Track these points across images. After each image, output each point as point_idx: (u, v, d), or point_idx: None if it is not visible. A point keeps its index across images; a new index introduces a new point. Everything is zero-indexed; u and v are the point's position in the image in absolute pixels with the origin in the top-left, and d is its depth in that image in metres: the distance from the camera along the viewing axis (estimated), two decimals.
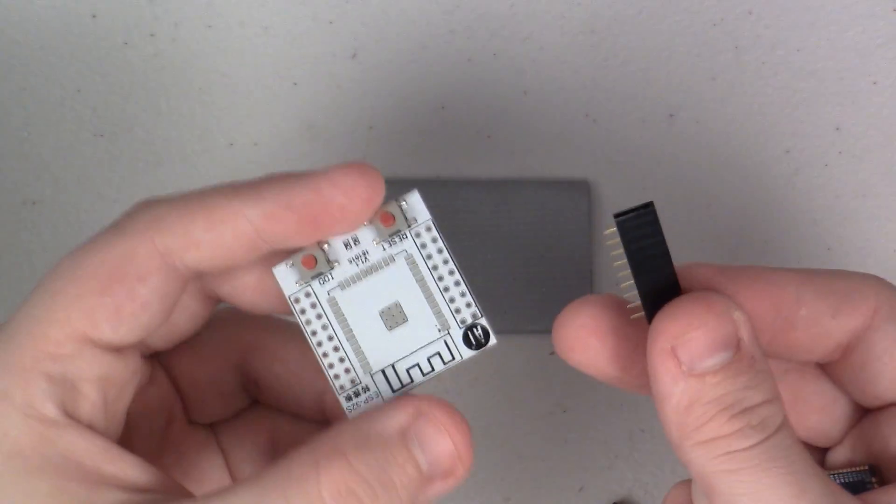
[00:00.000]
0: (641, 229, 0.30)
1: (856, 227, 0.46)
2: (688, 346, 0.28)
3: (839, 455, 0.33)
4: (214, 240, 0.29)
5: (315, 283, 0.31)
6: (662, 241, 0.30)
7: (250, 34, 0.46)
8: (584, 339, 0.31)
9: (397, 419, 0.29)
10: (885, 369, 0.30)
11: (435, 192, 0.45)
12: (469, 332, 0.32)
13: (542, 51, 0.46)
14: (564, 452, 0.45)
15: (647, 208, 0.30)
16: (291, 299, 0.31)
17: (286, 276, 0.31)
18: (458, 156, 0.46)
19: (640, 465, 0.45)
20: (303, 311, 0.32)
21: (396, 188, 0.46)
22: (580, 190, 0.45)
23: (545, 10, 0.46)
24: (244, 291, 0.32)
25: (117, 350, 0.29)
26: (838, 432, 0.32)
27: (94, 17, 0.45)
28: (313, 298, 0.32)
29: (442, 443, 0.29)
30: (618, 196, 0.46)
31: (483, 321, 0.31)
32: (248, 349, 0.34)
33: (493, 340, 0.32)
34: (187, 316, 0.32)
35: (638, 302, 0.30)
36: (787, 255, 0.46)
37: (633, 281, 0.30)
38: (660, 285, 0.30)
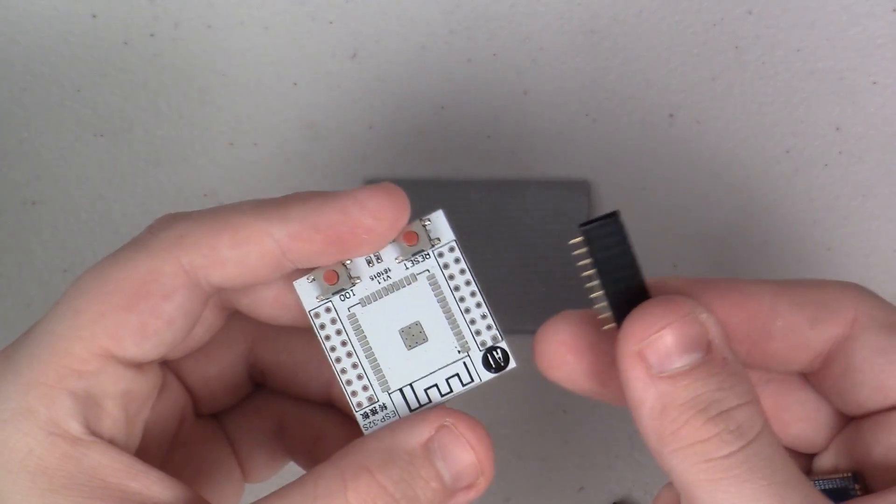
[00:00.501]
0: (607, 238, 0.30)
1: (856, 227, 0.46)
2: (655, 347, 0.28)
3: (825, 461, 0.32)
4: (240, 258, 0.29)
5: (336, 299, 0.31)
6: (629, 250, 0.30)
7: (250, 34, 0.46)
8: (562, 356, 0.31)
9: (420, 433, 0.30)
10: (866, 378, 0.30)
11: (435, 192, 0.45)
12: (489, 355, 0.32)
13: (542, 51, 0.46)
14: (564, 452, 0.45)
15: (612, 217, 0.30)
16: (311, 314, 0.31)
17: (307, 291, 0.31)
18: (458, 156, 0.46)
19: (640, 465, 0.45)
20: (322, 327, 0.31)
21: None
22: (580, 190, 0.45)
23: (545, 10, 0.46)
24: (263, 305, 0.32)
25: (138, 366, 0.29)
26: (823, 439, 0.32)
27: (94, 17, 0.45)
28: (333, 314, 0.31)
29: (465, 456, 0.29)
30: (618, 196, 0.46)
31: (503, 344, 0.31)
32: (255, 340, 0.34)
33: (512, 364, 0.32)
34: (205, 328, 0.32)
35: (608, 313, 0.30)
36: (787, 255, 0.46)
37: (602, 291, 0.30)
38: (629, 294, 0.30)
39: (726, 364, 0.28)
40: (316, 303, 0.31)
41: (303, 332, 0.32)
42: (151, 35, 0.45)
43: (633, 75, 0.46)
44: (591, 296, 0.30)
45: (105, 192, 0.45)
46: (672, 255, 0.46)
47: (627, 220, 0.46)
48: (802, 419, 0.32)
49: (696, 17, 0.47)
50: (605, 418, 0.46)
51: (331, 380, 0.33)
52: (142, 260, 0.29)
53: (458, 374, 0.32)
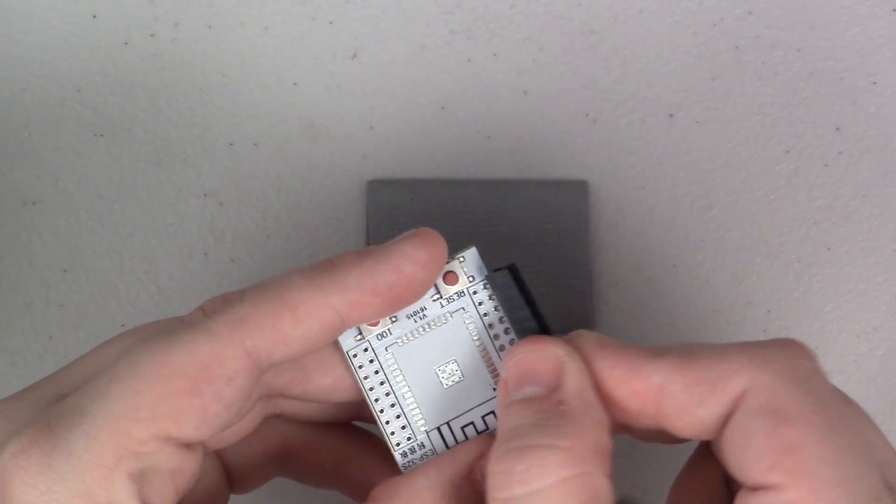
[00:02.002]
0: (508, 288, 0.31)
1: (856, 227, 0.46)
2: (510, 374, 0.29)
3: None
4: (301, 335, 0.30)
5: (373, 339, 0.32)
6: (527, 300, 0.31)
7: (250, 34, 0.46)
8: None
9: (464, 462, 0.30)
10: (731, 457, 0.29)
11: (435, 192, 0.45)
12: None
13: (542, 51, 0.46)
14: None
15: (511, 267, 0.31)
16: (350, 354, 0.32)
17: (345, 332, 0.31)
18: (458, 156, 0.46)
19: (640, 465, 0.45)
20: (360, 367, 0.32)
21: (397, 188, 0.46)
22: (580, 190, 0.45)
23: (545, 10, 0.46)
24: (317, 393, 0.32)
25: (189, 444, 0.30)
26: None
27: (94, 17, 0.45)
28: (371, 354, 0.32)
29: None
30: (618, 196, 0.46)
31: None
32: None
33: None
34: (249, 423, 0.33)
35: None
36: (787, 255, 0.46)
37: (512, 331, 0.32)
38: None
39: (560, 406, 0.28)
40: (354, 343, 0.32)
41: (323, 372, 0.33)
42: (151, 35, 0.45)
43: (633, 75, 0.46)
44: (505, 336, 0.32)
45: (105, 192, 0.45)
46: (672, 255, 0.46)
47: (627, 219, 0.46)
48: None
49: (696, 17, 0.47)
50: None
51: (349, 402, 0.33)
52: (204, 343, 0.29)
53: (493, 412, 0.32)
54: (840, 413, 0.29)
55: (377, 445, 0.34)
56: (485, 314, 0.32)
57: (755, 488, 0.28)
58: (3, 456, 0.28)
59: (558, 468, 0.28)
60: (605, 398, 0.30)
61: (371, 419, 0.32)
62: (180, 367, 0.29)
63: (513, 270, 0.31)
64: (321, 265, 0.30)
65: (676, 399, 0.29)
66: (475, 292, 0.32)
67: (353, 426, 0.34)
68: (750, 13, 0.47)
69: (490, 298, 0.32)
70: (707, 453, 0.32)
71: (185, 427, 0.29)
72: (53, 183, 0.45)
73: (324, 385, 0.32)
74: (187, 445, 0.29)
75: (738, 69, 0.47)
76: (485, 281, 0.32)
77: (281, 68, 0.46)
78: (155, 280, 0.45)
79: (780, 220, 0.46)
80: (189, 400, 0.28)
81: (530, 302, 0.31)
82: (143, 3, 0.45)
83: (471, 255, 0.32)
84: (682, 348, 0.30)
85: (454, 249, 0.32)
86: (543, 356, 0.29)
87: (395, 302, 0.30)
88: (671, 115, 0.46)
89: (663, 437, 0.31)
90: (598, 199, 0.46)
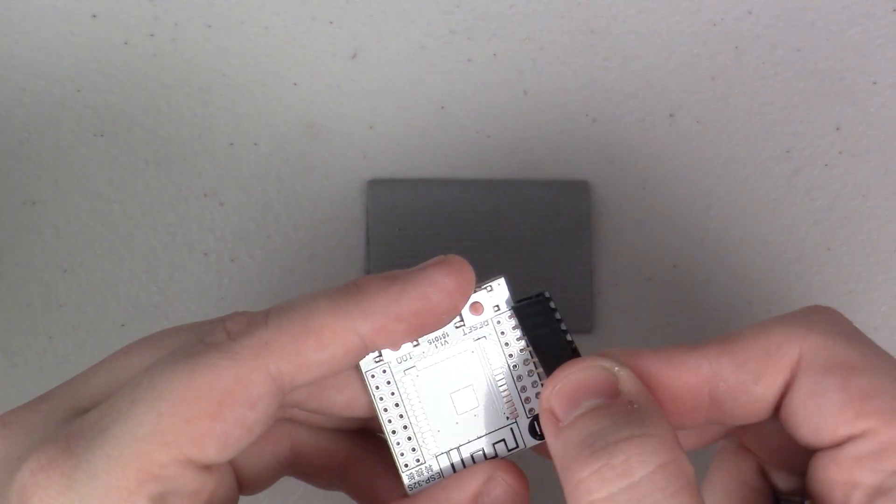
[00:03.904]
0: (537, 317, 0.31)
1: (856, 227, 0.46)
2: (558, 399, 0.29)
3: (791, 482, 0.32)
4: (325, 359, 0.29)
5: (393, 362, 0.32)
6: (558, 328, 0.31)
7: (250, 34, 0.46)
8: None
9: (471, 487, 0.30)
10: (802, 420, 0.29)
11: (435, 192, 0.45)
12: (536, 422, 0.32)
13: (542, 51, 0.46)
14: None
15: (539, 297, 0.31)
16: (368, 375, 0.31)
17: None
18: (458, 156, 0.46)
19: None
20: (377, 388, 0.32)
21: (397, 188, 0.46)
22: (580, 190, 0.45)
23: (545, 10, 0.46)
24: (334, 409, 0.32)
25: (210, 468, 0.29)
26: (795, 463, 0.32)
27: (94, 17, 0.45)
28: (389, 376, 0.32)
29: (509, 501, 0.30)
30: (618, 196, 0.46)
31: None
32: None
33: None
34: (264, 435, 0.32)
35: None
36: (788, 255, 0.46)
37: (538, 363, 0.32)
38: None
39: (630, 405, 0.28)
40: (373, 364, 0.32)
41: (337, 386, 0.33)
42: (151, 35, 0.45)
43: (633, 75, 0.46)
44: (530, 368, 0.32)
45: (105, 192, 0.45)
46: (672, 255, 0.46)
47: (627, 219, 0.46)
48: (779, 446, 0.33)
49: (696, 17, 0.47)
50: None
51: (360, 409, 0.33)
52: (228, 367, 0.29)
53: (504, 440, 0.32)
54: (893, 356, 0.29)
55: (385, 451, 0.34)
56: (506, 343, 0.32)
57: (840, 442, 0.28)
58: (22, 472, 0.28)
59: (656, 454, 0.27)
60: (657, 402, 0.30)
61: (381, 434, 0.32)
62: (204, 391, 0.28)
63: (543, 300, 0.31)
64: (346, 288, 0.30)
65: (730, 382, 0.30)
66: (499, 322, 0.32)
67: (362, 431, 0.35)
68: (750, 13, 0.47)
69: (514, 329, 0.32)
70: (737, 449, 0.32)
71: (208, 451, 0.28)
72: (53, 183, 0.45)
73: (339, 402, 0.32)
74: (208, 467, 0.29)
75: (738, 69, 0.47)
76: (511, 312, 0.32)
77: (281, 68, 0.46)
78: (155, 280, 0.45)
79: (780, 220, 0.46)
80: (212, 424, 0.28)
81: (564, 329, 0.31)
82: (143, 3, 0.45)
83: (498, 285, 0.32)
84: (719, 337, 0.30)
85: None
86: (593, 371, 0.29)
87: (420, 329, 0.30)
88: (671, 115, 0.46)
89: (712, 434, 0.31)
90: (598, 199, 0.46)
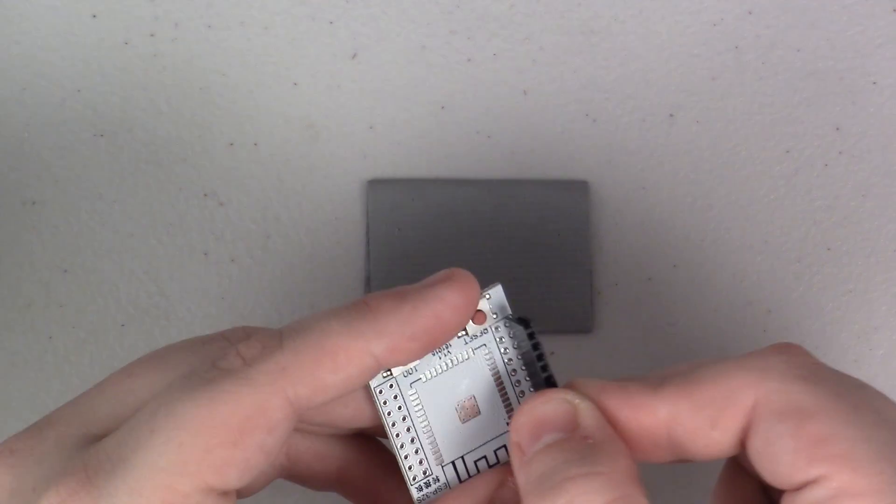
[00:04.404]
0: (521, 340, 0.32)
1: (856, 227, 0.46)
2: (520, 432, 0.30)
3: None
4: (342, 382, 0.30)
5: (400, 377, 0.32)
6: (538, 356, 0.32)
7: (250, 34, 0.46)
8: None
9: (480, 494, 0.31)
10: (763, 465, 0.29)
11: (435, 192, 0.45)
12: None
13: (542, 51, 0.46)
14: None
15: (523, 322, 0.32)
16: (375, 391, 0.32)
17: None
18: (458, 156, 0.46)
19: (639, 465, 0.45)
20: (385, 403, 0.32)
21: (397, 188, 0.46)
22: (580, 190, 0.45)
23: (545, 10, 0.46)
24: (338, 421, 0.32)
25: (228, 493, 0.29)
26: None
27: (94, 17, 0.45)
28: (396, 391, 0.32)
29: None
30: (618, 196, 0.46)
31: None
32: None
33: None
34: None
35: None
36: (788, 256, 0.46)
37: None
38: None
39: (587, 440, 0.29)
40: (381, 380, 0.32)
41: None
42: (151, 35, 0.45)
43: (633, 75, 0.46)
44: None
45: (105, 192, 0.45)
46: (672, 255, 0.46)
47: (627, 219, 0.46)
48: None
49: (696, 17, 0.47)
50: None
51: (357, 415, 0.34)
52: (247, 395, 0.29)
53: (505, 446, 0.32)
54: (854, 394, 0.29)
55: (382, 453, 0.34)
56: (504, 350, 0.32)
57: (798, 487, 0.28)
58: None
59: (601, 494, 0.28)
60: (618, 437, 0.30)
61: (380, 438, 0.33)
62: (224, 419, 0.28)
63: (526, 324, 0.32)
64: (357, 308, 0.30)
65: (687, 426, 0.30)
66: (497, 328, 0.32)
67: (358, 436, 0.35)
68: (750, 13, 0.47)
69: (511, 337, 0.32)
70: (738, 466, 0.32)
71: (229, 478, 0.29)
72: (53, 183, 0.45)
73: (344, 416, 0.32)
74: (227, 493, 0.29)
75: (738, 69, 0.47)
76: (505, 321, 0.32)
77: (281, 68, 0.46)
78: (155, 280, 0.45)
79: (780, 220, 0.46)
80: (233, 452, 0.28)
81: (540, 356, 0.32)
82: (143, 3, 0.45)
83: (496, 292, 0.32)
84: (681, 373, 0.30)
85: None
86: (553, 405, 0.30)
87: (432, 345, 0.30)
88: (671, 115, 0.46)
89: (686, 459, 0.31)
90: (598, 199, 0.46)
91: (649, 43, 0.46)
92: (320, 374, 0.29)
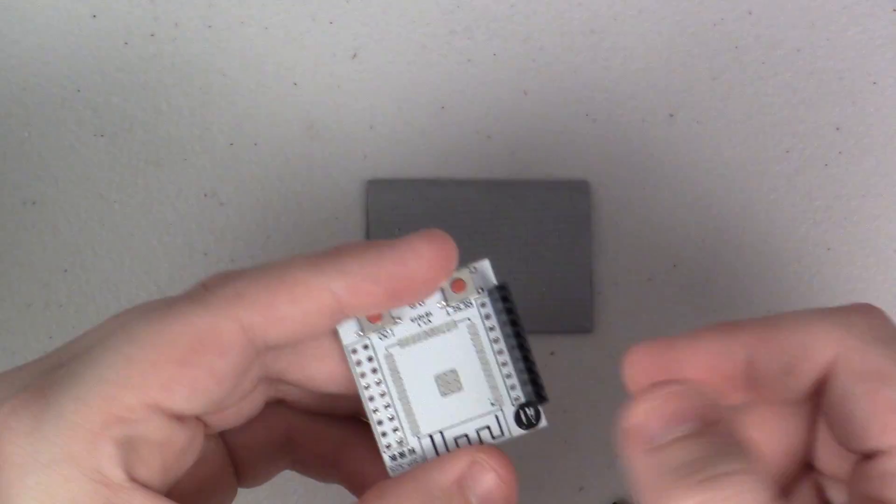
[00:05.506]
0: (497, 308, 0.31)
1: (856, 227, 0.46)
2: (654, 416, 0.29)
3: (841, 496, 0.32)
4: (298, 315, 0.29)
5: (374, 337, 0.31)
6: (512, 321, 0.31)
7: (250, 34, 0.46)
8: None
9: (454, 470, 0.30)
10: (838, 421, 0.29)
11: (435, 192, 0.45)
12: (521, 411, 0.31)
13: (542, 51, 0.46)
14: (564, 452, 0.45)
15: (498, 288, 0.31)
16: (349, 349, 0.31)
17: (347, 326, 0.31)
18: (458, 156, 0.46)
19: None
20: (358, 363, 0.31)
21: (397, 188, 0.46)
22: (580, 190, 0.45)
23: (545, 10, 0.46)
24: (315, 380, 0.32)
25: (180, 418, 0.29)
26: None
27: (94, 17, 0.45)
28: (371, 352, 0.31)
29: (496, 489, 0.30)
30: (618, 196, 0.46)
31: (536, 402, 0.31)
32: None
33: (543, 422, 0.32)
34: (251, 405, 0.32)
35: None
36: (788, 255, 0.46)
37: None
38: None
39: (730, 437, 0.28)
40: (355, 338, 0.31)
41: (327, 359, 0.32)
42: (151, 35, 0.45)
43: (633, 75, 0.46)
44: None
45: (105, 192, 0.45)
46: (672, 255, 0.46)
47: (627, 219, 0.46)
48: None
49: (696, 17, 0.47)
50: (605, 418, 0.46)
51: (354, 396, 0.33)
52: (200, 315, 0.29)
53: (488, 427, 0.32)
54: None
55: (375, 437, 0.34)
56: (490, 328, 0.31)
57: (870, 455, 0.28)
58: None
59: (755, 493, 0.27)
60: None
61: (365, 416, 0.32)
62: (174, 337, 0.29)
63: (501, 289, 0.31)
64: (325, 250, 0.30)
65: (763, 369, 0.29)
66: (483, 304, 0.31)
67: (355, 418, 0.35)
68: (750, 13, 0.47)
69: (499, 312, 0.31)
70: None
71: (175, 397, 0.29)
72: (53, 183, 0.45)
73: (320, 374, 0.32)
74: (178, 418, 0.29)
75: (738, 69, 0.47)
76: (489, 295, 0.31)
77: (281, 68, 0.46)
78: (155, 280, 0.45)
79: (780, 220, 0.46)
80: (181, 370, 0.28)
81: (514, 322, 0.31)
82: (143, 3, 0.45)
83: (483, 266, 0.32)
84: (757, 321, 0.30)
85: (464, 255, 0.32)
86: (692, 395, 0.29)
87: (396, 295, 0.30)
88: (671, 115, 0.46)
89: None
90: (598, 199, 0.46)
91: (649, 43, 0.46)
92: (276, 304, 0.29)
